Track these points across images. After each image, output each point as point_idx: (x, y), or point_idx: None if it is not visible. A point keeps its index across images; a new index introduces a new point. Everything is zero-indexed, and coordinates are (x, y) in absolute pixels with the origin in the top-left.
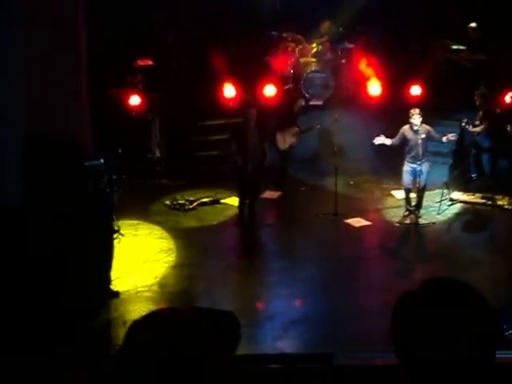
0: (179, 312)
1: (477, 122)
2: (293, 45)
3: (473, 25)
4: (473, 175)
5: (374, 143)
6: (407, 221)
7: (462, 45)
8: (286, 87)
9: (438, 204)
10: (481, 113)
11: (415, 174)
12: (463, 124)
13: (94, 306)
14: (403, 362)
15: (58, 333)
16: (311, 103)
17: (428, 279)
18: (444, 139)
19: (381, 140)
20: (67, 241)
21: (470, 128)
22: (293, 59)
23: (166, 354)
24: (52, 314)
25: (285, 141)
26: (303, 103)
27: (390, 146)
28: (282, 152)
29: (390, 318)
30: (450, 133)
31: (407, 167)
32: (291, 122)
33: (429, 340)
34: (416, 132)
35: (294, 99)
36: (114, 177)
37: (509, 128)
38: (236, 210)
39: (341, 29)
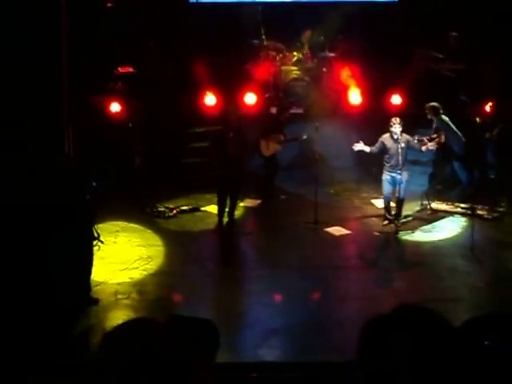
0: (154, 321)
1: (433, 135)
2: (274, 53)
3: (453, 33)
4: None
5: (354, 152)
6: (387, 230)
7: (442, 54)
8: (267, 95)
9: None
10: (434, 125)
11: (395, 182)
12: (415, 141)
13: (73, 313)
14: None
15: (37, 340)
16: (292, 111)
17: (397, 306)
18: (423, 149)
19: (360, 146)
20: (46, 247)
21: (424, 148)
22: (274, 67)
23: (140, 363)
24: (31, 321)
25: (268, 148)
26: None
27: (370, 153)
28: (266, 159)
29: (357, 340)
30: (430, 140)
31: (387, 176)
32: (276, 130)
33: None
34: (396, 141)
35: (282, 107)
36: (94, 184)
37: (487, 135)
38: (216, 218)
39: (322, 37)
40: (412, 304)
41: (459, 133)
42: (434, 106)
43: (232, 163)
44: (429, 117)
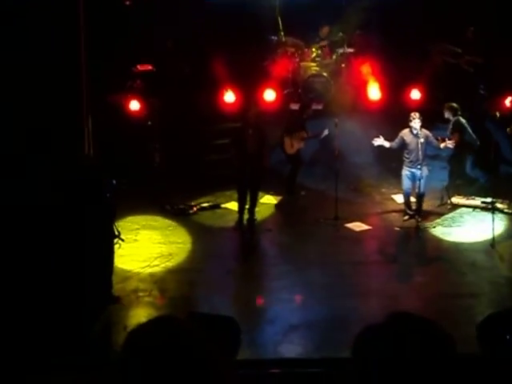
0: (178, 319)
1: (449, 137)
2: (292, 49)
3: (471, 28)
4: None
5: (374, 147)
6: (407, 225)
7: (460, 48)
8: (286, 92)
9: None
10: (450, 125)
11: (414, 178)
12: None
13: (95, 310)
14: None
15: (59, 338)
16: (312, 108)
17: (391, 314)
18: (442, 146)
19: (380, 141)
20: (68, 246)
21: (443, 145)
22: (292, 64)
23: (164, 361)
24: (54, 320)
25: (292, 145)
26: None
27: (389, 148)
28: (290, 157)
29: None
30: (450, 138)
31: (406, 171)
32: (299, 127)
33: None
34: (415, 136)
35: (304, 105)
36: (114, 182)
37: (508, 130)
38: (236, 215)
39: (340, 33)
40: (404, 312)
41: (474, 135)
42: (452, 107)
43: (251, 160)
44: (446, 116)
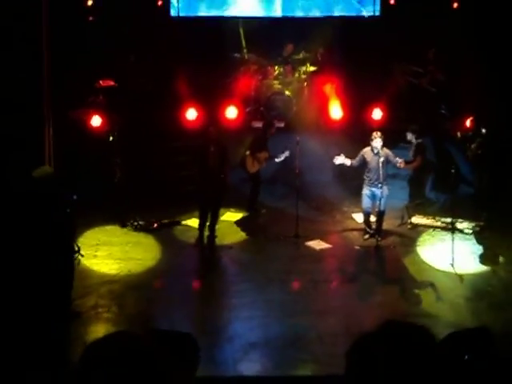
0: (134, 334)
1: (411, 159)
2: (255, 67)
3: (432, 49)
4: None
5: (334, 166)
6: (367, 244)
7: (422, 68)
8: (248, 109)
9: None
10: (413, 148)
11: (375, 197)
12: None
13: (54, 326)
14: None
15: (17, 352)
16: (276, 126)
17: (384, 322)
18: (398, 165)
19: (341, 160)
20: (26, 261)
21: (403, 165)
22: (255, 81)
23: (120, 377)
24: (12, 334)
25: (253, 165)
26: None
27: (350, 166)
28: (251, 175)
29: (346, 358)
30: (404, 159)
31: (366, 191)
32: (262, 147)
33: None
34: (376, 155)
35: (268, 124)
36: (75, 197)
37: (468, 153)
38: (196, 232)
39: (303, 52)
40: (397, 320)
41: (435, 157)
42: (415, 129)
43: (213, 177)
44: (408, 138)
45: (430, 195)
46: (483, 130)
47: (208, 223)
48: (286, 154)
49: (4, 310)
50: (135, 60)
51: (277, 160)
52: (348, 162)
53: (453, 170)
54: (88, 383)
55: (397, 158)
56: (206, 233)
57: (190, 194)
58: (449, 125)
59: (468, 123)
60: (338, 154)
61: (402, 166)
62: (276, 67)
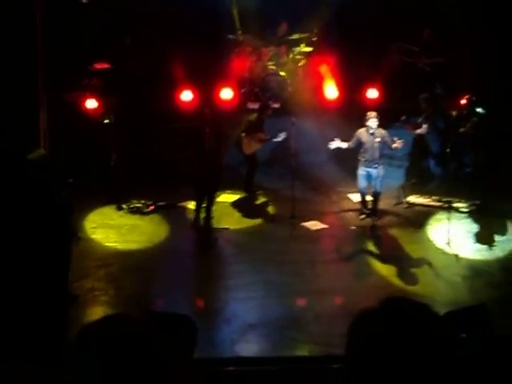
0: (129, 316)
1: (420, 124)
2: (249, 48)
3: (428, 29)
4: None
5: (330, 148)
6: (363, 224)
7: (417, 47)
8: (243, 90)
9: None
10: (423, 116)
11: (370, 177)
12: (402, 119)
13: (51, 309)
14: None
15: (15, 335)
16: (272, 108)
17: (385, 299)
18: (393, 146)
19: (336, 144)
20: (23, 245)
21: (394, 146)
22: (249, 62)
23: (116, 359)
24: (9, 317)
25: (250, 146)
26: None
27: (346, 149)
28: (247, 157)
29: (347, 335)
30: (398, 138)
31: (362, 171)
32: (259, 128)
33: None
34: (372, 135)
35: (264, 105)
36: (70, 180)
37: (461, 130)
38: (193, 214)
39: (298, 32)
40: (399, 296)
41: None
42: (427, 97)
43: (209, 158)
44: (423, 107)
45: (435, 170)
46: (478, 109)
47: (204, 205)
48: (284, 134)
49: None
50: (131, 42)
51: (274, 140)
52: (344, 144)
53: (448, 150)
54: (83, 366)
55: (395, 138)
56: (203, 214)
57: (186, 176)
58: (444, 104)
59: (463, 102)
60: (333, 139)
61: (400, 146)
62: (271, 48)
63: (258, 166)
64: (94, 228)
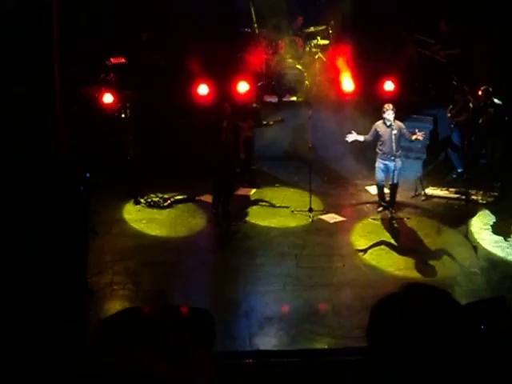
0: (146, 310)
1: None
2: (266, 41)
3: (444, 20)
4: (458, 170)
5: (347, 141)
6: (381, 216)
7: (434, 39)
8: (259, 84)
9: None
10: (458, 105)
11: (388, 170)
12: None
13: (68, 304)
14: (376, 363)
15: (33, 332)
16: (284, 99)
17: (407, 284)
18: (413, 138)
19: (353, 137)
20: (42, 239)
21: (414, 137)
22: (266, 56)
23: (134, 353)
24: (27, 313)
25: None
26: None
27: (363, 142)
28: (243, 144)
29: (368, 320)
30: (420, 130)
31: (379, 164)
32: (245, 117)
33: (402, 341)
34: (389, 127)
35: (255, 96)
36: (88, 175)
37: (480, 121)
38: (210, 207)
39: (314, 25)
40: (420, 283)
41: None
42: (459, 85)
43: (226, 152)
44: (457, 97)
45: (454, 162)
46: (496, 100)
47: (222, 198)
48: (277, 119)
49: (18, 290)
50: (147, 37)
51: (264, 122)
52: (361, 137)
53: (466, 141)
54: (100, 359)
55: (416, 130)
56: (220, 208)
57: (204, 170)
58: (463, 95)
59: (480, 93)
60: (350, 132)
61: (421, 138)
62: (287, 41)
63: (253, 152)
64: (112, 222)
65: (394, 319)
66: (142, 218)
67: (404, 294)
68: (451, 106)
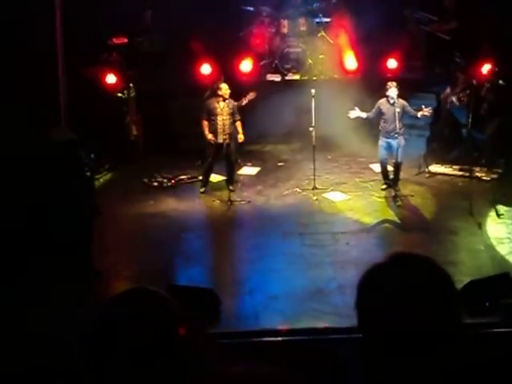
0: (151, 289)
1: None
2: (268, 20)
3: None
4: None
5: (350, 117)
6: (385, 194)
7: (436, 16)
8: (262, 63)
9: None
10: (461, 87)
11: (391, 148)
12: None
13: (73, 285)
14: (366, 336)
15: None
16: (287, 78)
17: (393, 254)
18: (419, 115)
19: (356, 113)
20: (48, 220)
21: (420, 113)
22: (268, 34)
23: (138, 333)
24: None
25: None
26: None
27: (366, 118)
28: None
29: (357, 289)
30: (426, 106)
31: (382, 142)
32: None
33: (391, 313)
34: (392, 105)
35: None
36: (92, 156)
37: (485, 100)
38: (214, 187)
39: (316, 3)
40: (407, 252)
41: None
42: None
43: (225, 132)
44: (461, 78)
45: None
46: (500, 82)
47: (226, 178)
48: (250, 96)
49: (23, 270)
50: (151, 17)
51: (237, 103)
52: (363, 114)
53: (469, 119)
54: (106, 339)
55: (422, 106)
56: (224, 187)
57: (203, 150)
58: (464, 72)
59: (484, 71)
60: (353, 108)
61: (428, 114)
62: (289, 19)
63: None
64: (116, 203)
65: (381, 294)
66: (146, 199)
67: (390, 262)
68: (449, 90)
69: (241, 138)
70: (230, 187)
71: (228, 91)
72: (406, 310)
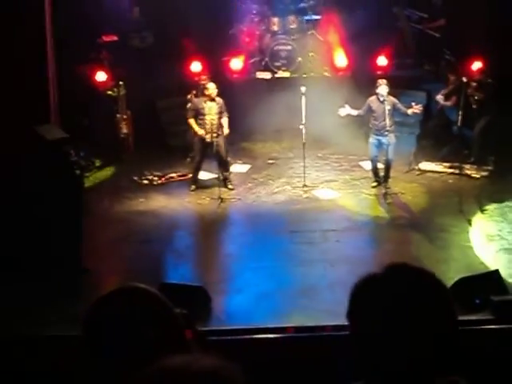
0: (141, 287)
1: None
2: (258, 17)
3: None
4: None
5: (340, 115)
6: (375, 192)
7: (427, 14)
8: (252, 60)
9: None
10: (451, 87)
11: (381, 145)
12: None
13: (63, 283)
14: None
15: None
16: (277, 76)
17: (389, 265)
18: (409, 112)
19: (346, 111)
20: (37, 220)
21: (410, 111)
22: (258, 32)
23: (129, 330)
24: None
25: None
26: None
27: (356, 116)
28: None
29: (348, 300)
30: (416, 103)
31: (373, 139)
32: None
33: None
34: (382, 103)
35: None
36: (82, 154)
37: (475, 97)
38: (203, 185)
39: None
40: (402, 263)
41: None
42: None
43: (213, 131)
44: (451, 77)
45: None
46: (489, 80)
47: (220, 176)
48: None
49: (13, 268)
50: (139, 14)
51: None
52: (354, 112)
53: (460, 116)
54: (96, 337)
55: (413, 103)
56: (214, 185)
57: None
58: (454, 70)
59: (473, 68)
60: (343, 106)
61: (419, 111)
62: (279, 17)
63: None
64: (106, 202)
65: (376, 305)
66: (136, 197)
67: (386, 276)
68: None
69: (226, 132)
70: (229, 186)
71: (215, 91)
72: (400, 322)
